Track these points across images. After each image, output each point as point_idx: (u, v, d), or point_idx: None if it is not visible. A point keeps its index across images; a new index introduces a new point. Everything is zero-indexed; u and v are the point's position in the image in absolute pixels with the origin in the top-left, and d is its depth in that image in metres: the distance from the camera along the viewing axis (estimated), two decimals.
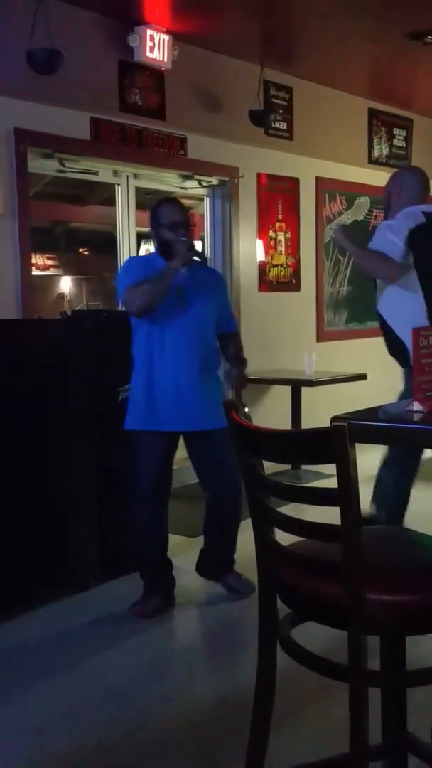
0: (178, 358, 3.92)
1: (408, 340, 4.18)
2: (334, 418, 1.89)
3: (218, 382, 4.14)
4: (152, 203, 4.22)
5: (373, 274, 4.22)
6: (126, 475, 4.48)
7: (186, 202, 9.40)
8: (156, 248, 4.07)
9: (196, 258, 3.97)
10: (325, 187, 7.88)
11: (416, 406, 2.23)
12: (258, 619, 2.15)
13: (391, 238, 4.14)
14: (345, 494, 1.79)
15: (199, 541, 4.33)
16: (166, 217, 3.99)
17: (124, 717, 3.06)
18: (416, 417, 2.17)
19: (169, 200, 4.24)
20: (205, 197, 7.01)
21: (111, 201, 6.62)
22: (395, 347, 4.37)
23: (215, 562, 4.28)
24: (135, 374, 4.02)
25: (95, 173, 6.06)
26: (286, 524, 1.98)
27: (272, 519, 2.05)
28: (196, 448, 4.11)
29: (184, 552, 4.65)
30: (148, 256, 4.12)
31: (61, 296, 11.74)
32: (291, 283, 7.57)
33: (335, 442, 1.77)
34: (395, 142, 8.74)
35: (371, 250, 4.18)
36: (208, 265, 4.23)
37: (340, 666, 1.92)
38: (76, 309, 9.03)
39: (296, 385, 6.81)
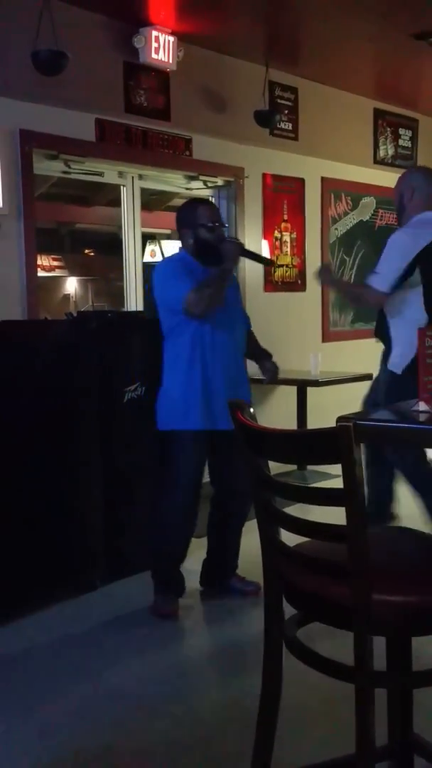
0: (228, 356, 3.99)
1: (397, 336, 4.22)
2: (339, 419, 1.89)
3: None
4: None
5: (362, 306, 4.36)
6: (131, 476, 4.49)
7: None
8: (191, 248, 4.03)
9: (260, 262, 4.30)
10: (330, 187, 7.88)
11: (422, 406, 2.23)
12: (263, 619, 2.14)
13: (389, 267, 4.26)
14: (350, 494, 1.79)
15: (203, 542, 4.33)
16: (205, 218, 3.99)
17: (130, 718, 3.06)
18: (422, 417, 2.16)
19: (204, 201, 4.27)
20: (210, 198, 7.01)
21: (116, 202, 6.62)
22: (380, 328, 4.57)
23: (219, 565, 4.28)
24: (179, 375, 3.97)
25: (100, 174, 6.06)
26: (292, 524, 1.97)
27: (278, 519, 2.05)
28: (224, 446, 4.04)
29: (189, 553, 4.64)
30: (181, 257, 4.10)
31: (67, 297, 11.76)
32: (296, 284, 7.57)
33: (341, 442, 1.77)
34: (401, 142, 8.73)
35: (355, 285, 4.28)
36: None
37: (345, 667, 1.92)
38: (82, 310, 9.04)
39: (302, 386, 6.80)
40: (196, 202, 4.16)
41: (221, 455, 4.10)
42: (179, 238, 4.11)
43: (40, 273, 7.38)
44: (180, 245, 4.12)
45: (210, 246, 3.96)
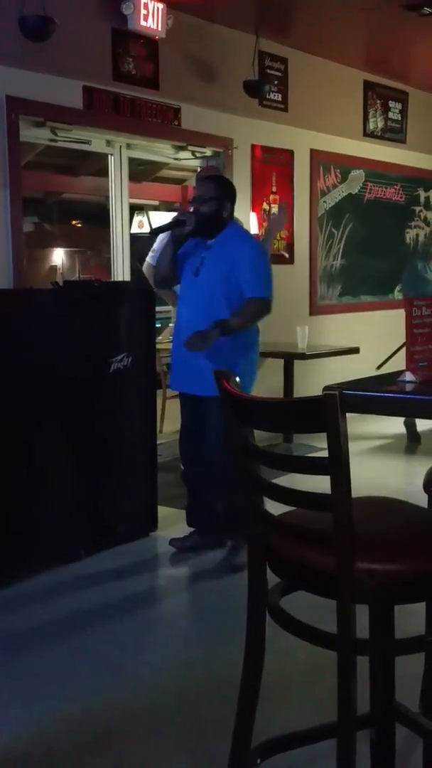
0: (186, 324, 4.23)
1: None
2: (325, 388, 1.88)
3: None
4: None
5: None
6: (118, 446, 4.50)
7: (179, 173, 9.36)
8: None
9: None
10: (319, 159, 7.83)
11: (408, 376, 2.23)
12: (248, 588, 2.14)
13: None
14: (335, 463, 1.79)
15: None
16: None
17: (114, 687, 3.07)
18: (408, 387, 2.16)
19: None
20: (198, 168, 6.95)
21: (104, 172, 6.56)
22: None
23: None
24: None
25: (87, 143, 6.00)
26: (277, 493, 1.97)
27: (263, 488, 2.04)
28: (195, 410, 4.33)
29: (173, 524, 4.66)
30: None
31: (54, 268, 11.68)
32: (284, 257, 7.54)
33: (326, 410, 1.76)
34: (390, 115, 8.68)
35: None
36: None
37: (328, 634, 1.92)
38: (68, 280, 8.97)
39: (289, 358, 6.80)
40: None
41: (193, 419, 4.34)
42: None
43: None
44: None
45: None
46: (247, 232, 5.20)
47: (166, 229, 4.36)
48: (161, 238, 5.06)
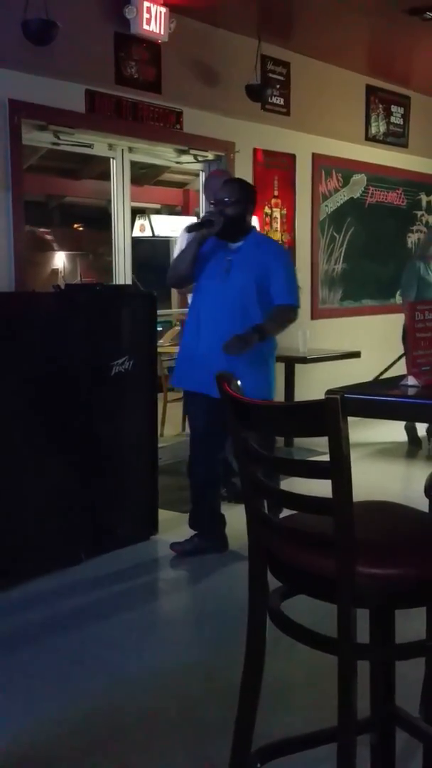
0: (212, 325, 4.24)
1: None
2: (328, 392, 1.88)
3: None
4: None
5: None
6: (119, 449, 4.49)
7: (180, 177, 9.35)
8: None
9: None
10: (321, 163, 7.83)
11: (411, 380, 2.23)
12: (248, 591, 2.14)
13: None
14: (337, 467, 1.79)
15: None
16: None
17: (114, 689, 3.07)
18: (411, 391, 2.16)
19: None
20: (200, 172, 6.97)
21: (105, 175, 6.57)
22: None
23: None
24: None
25: (90, 146, 6.00)
26: (278, 497, 1.97)
27: (264, 492, 2.04)
28: (202, 409, 4.33)
29: (174, 528, 4.66)
30: None
31: (56, 272, 11.70)
32: None
33: (328, 414, 1.76)
34: (392, 119, 8.69)
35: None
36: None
37: (329, 638, 1.92)
38: (69, 283, 8.99)
39: (290, 362, 6.80)
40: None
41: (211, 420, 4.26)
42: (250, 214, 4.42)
43: None
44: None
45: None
46: (272, 239, 5.23)
47: (197, 228, 4.34)
48: (182, 240, 5.06)
